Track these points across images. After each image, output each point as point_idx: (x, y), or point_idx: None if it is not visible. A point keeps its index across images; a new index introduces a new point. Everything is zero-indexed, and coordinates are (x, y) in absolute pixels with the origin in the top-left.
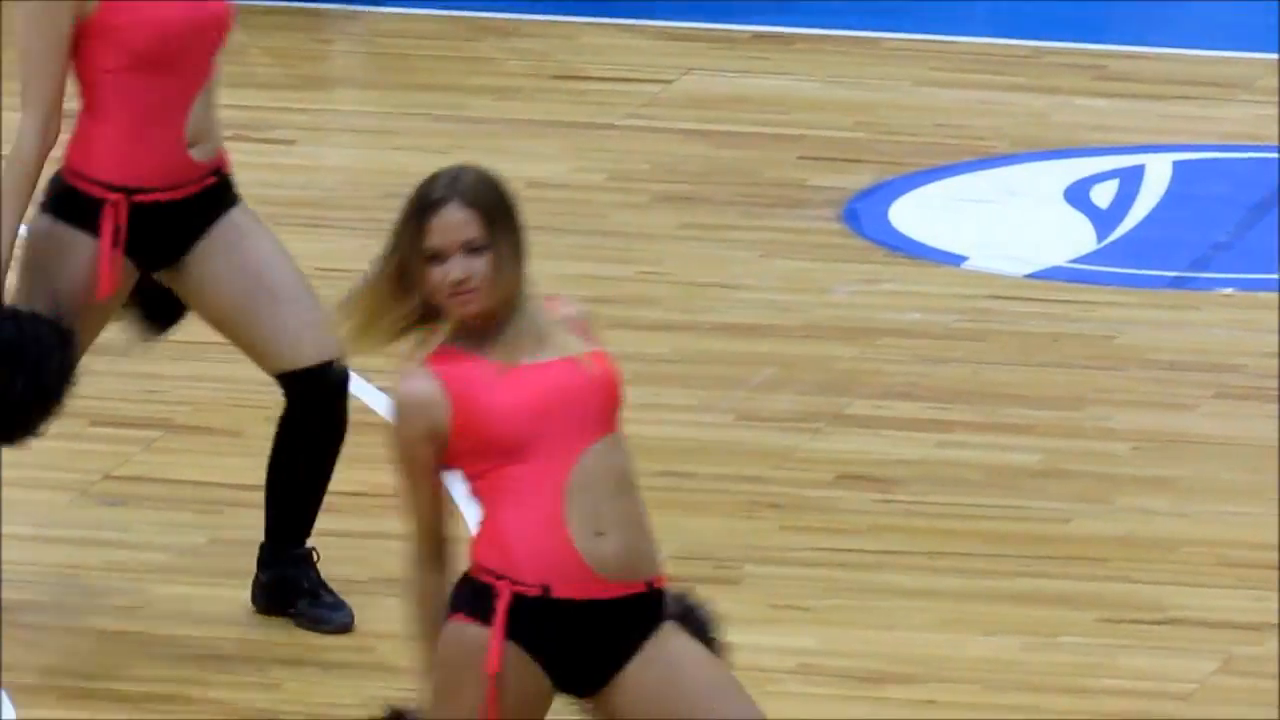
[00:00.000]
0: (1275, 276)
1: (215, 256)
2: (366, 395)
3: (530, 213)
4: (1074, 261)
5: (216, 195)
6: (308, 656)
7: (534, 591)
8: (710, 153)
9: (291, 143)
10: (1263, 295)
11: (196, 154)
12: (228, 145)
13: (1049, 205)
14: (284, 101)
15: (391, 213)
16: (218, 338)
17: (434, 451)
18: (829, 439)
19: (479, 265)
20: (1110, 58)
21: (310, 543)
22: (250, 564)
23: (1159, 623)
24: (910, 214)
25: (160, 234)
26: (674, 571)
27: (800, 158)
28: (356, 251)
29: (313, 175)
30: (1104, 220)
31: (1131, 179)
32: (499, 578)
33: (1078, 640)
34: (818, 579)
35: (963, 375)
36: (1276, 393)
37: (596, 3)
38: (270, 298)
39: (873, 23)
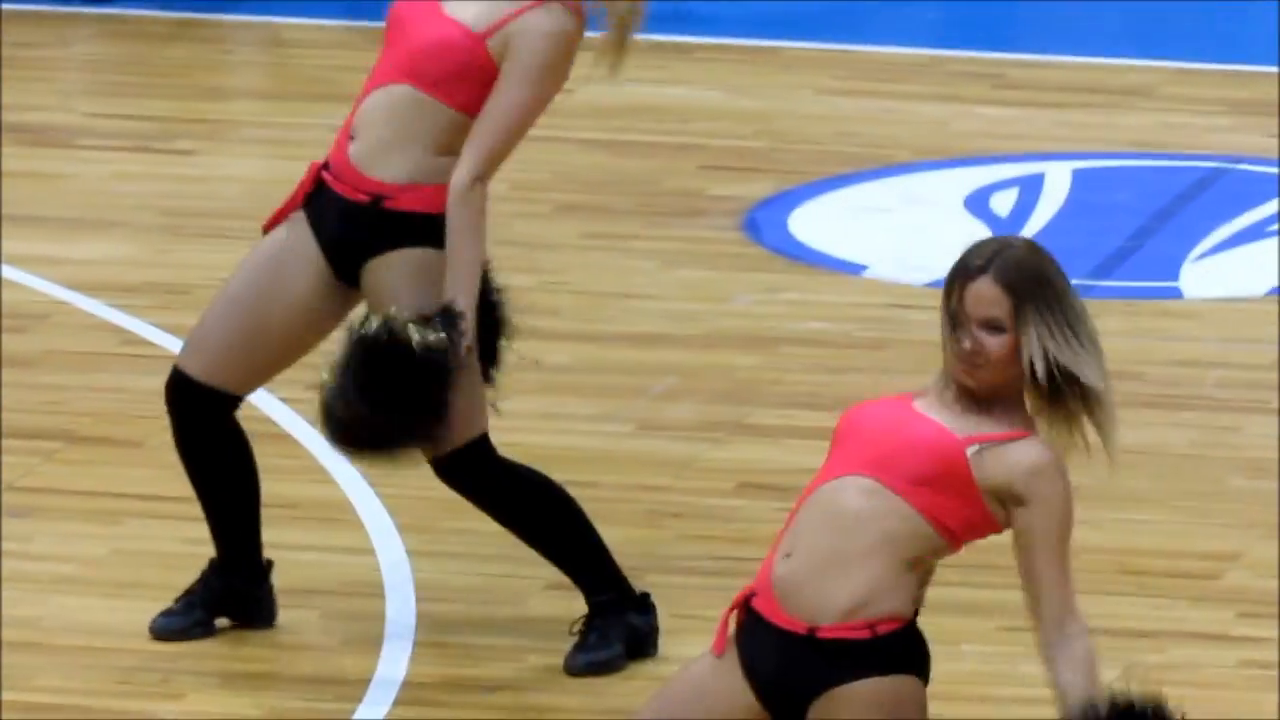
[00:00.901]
0: (1176, 284)
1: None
2: (268, 406)
3: None
4: None
5: (365, 220)
6: (209, 668)
7: (748, 594)
8: (611, 162)
9: (191, 153)
10: (1163, 303)
11: (352, 150)
12: (126, 156)
13: (949, 214)
14: (184, 112)
15: None
16: (118, 349)
17: None
18: (730, 448)
19: (994, 344)
20: (1009, 66)
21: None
22: (152, 575)
23: None
24: (810, 223)
25: (327, 224)
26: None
27: (700, 167)
28: None
29: (213, 186)
30: (1004, 228)
31: (1031, 187)
32: None
33: (979, 649)
34: (720, 588)
35: (864, 384)
36: (1178, 401)
37: None
38: None
39: (772, 32)
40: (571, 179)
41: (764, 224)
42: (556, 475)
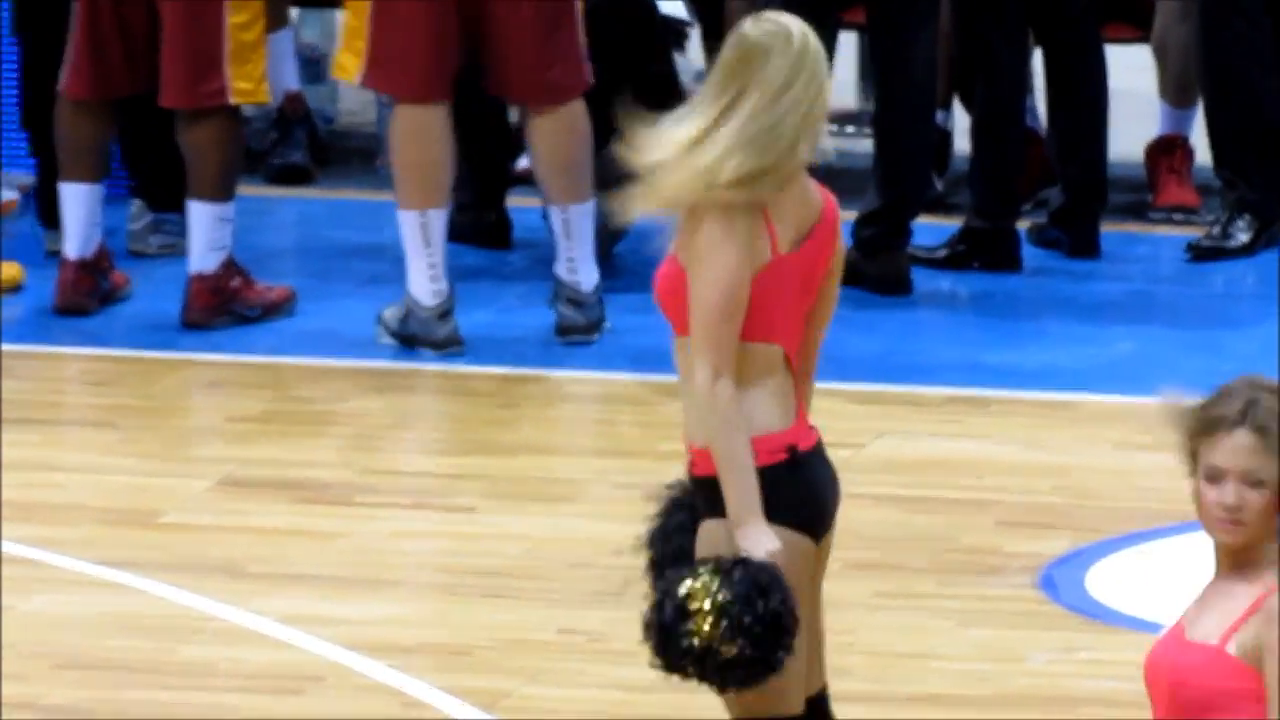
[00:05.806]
0: None
1: None
2: None
3: None
4: None
5: None
6: None
7: None
8: (903, 518)
9: (472, 510)
10: None
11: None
12: (405, 513)
13: None
14: (463, 469)
15: (577, 582)
16: (396, 711)
17: None
18: None
19: (1255, 498)
20: None
21: None
22: None
23: None
24: (1108, 581)
25: None
26: None
27: (996, 523)
28: (541, 622)
29: (493, 544)
30: None
31: None
32: None
33: None
34: None
35: None
36: None
37: None
38: None
39: (1069, 385)
40: (862, 536)
41: (1060, 581)
42: None
